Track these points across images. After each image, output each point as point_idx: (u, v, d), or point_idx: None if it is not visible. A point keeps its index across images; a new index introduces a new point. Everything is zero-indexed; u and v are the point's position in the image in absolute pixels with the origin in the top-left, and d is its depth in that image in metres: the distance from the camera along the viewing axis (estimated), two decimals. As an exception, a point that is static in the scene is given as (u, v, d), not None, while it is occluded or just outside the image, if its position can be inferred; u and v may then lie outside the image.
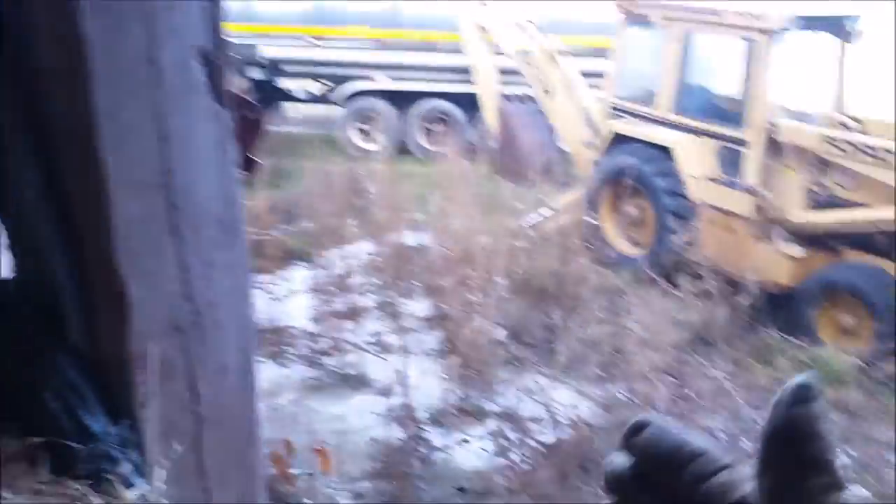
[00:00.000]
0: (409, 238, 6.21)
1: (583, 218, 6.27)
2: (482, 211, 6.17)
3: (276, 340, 4.93)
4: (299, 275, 5.97)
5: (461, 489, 3.65)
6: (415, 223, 6.39)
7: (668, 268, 5.35)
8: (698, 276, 4.92)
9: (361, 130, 10.04)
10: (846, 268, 5.08)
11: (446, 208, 6.17)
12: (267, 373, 4.55)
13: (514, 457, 3.64)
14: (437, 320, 5.23)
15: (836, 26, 5.75)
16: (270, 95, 10.01)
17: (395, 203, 6.44)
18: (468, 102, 9.41)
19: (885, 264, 4.96)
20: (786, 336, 4.83)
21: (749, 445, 3.78)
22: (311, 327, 5.15)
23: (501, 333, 4.95)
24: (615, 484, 0.50)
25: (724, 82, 6.26)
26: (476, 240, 5.51)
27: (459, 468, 3.81)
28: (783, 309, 5.09)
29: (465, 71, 9.06)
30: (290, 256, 6.19)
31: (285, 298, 5.52)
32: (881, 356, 4.51)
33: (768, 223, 5.31)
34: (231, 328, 1.36)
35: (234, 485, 1.43)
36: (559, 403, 4.02)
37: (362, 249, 6.20)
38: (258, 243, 6.16)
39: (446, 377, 4.48)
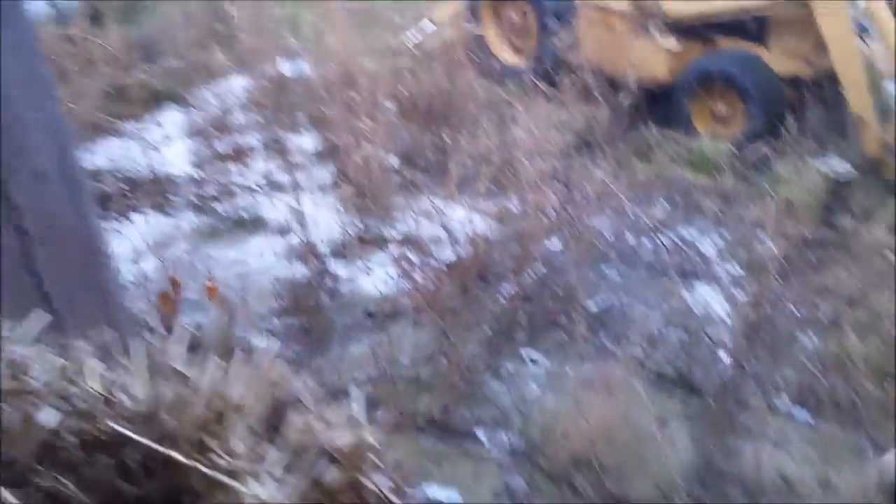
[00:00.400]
0: (286, 67, 5.82)
1: (466, 30, 6.03)
2: (360, 29, 5.80)
3: (158, 190, 4.70)
4: (173, 118, 5.57)
5: (370, 314, 3.79)
6: (289, 49, 5.96)
7: (551, 74, 5.32)
8: (580, 80, 4.94)
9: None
10: (720, 56, 5.21)
11: (321, 29, 5.75)
12: (154, 224, 4.39)
13: (418, 278, 3.76)
14: (327, 152, 5.09)
15: None
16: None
17: (263, 28, 5.94)
18: None
19: (759, 50, 5.13)
20: (664, 131, 5.02)
21: (633, 240, 4.07)
22: (195, 173, 4.91)
23: (394, 159, 4.90)
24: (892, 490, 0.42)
25: None
26: (357, 62, 5.23)
27: (366, 295, 3.92)
28: (662, 105, 5.24)
29: None
30: (158, 98, 5.72)
31: (161, 145, 5.18)
32: (751, 137, 4.79)
33: (645, 18, 5.29)
34: (39, 128, 1.20)
35: (84, 306, 1.33)
36: (456, 222, 4.11)
37: (237, 84, 5.80)
38: (120, 87, 5.65)
39: (342, 209, 4.46)
